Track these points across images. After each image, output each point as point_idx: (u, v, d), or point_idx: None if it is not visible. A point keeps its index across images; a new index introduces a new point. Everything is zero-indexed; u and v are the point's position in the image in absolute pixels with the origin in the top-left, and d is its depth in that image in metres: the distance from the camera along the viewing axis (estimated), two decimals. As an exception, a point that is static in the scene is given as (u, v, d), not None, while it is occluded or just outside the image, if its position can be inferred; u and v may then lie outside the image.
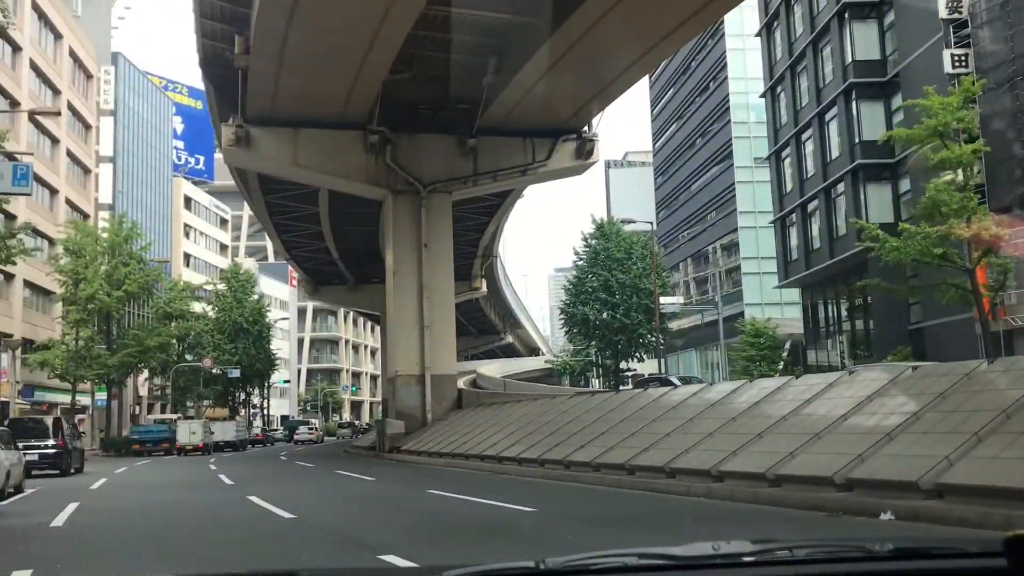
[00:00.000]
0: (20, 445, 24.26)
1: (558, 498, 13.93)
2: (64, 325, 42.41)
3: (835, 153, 40.99)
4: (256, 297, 72.15)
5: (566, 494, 14.54)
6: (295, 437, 67.04)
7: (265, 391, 77.16)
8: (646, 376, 43.77)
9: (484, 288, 67.35)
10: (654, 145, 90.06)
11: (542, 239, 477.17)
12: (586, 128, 35.27)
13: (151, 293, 47.03)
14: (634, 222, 49.15)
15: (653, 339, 51.25)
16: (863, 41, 38.82)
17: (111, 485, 20.67)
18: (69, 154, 53.23)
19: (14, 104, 45.32)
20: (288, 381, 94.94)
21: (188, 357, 60.01)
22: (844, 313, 44.66)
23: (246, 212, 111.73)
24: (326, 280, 64.78)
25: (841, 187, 40.33)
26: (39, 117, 47.67)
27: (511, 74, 30.21)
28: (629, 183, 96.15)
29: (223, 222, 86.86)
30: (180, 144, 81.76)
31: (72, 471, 26.07)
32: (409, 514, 12.41)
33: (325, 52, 27.72)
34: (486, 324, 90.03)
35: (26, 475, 24.91)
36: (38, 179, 47.71)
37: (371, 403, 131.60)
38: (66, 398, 52.47)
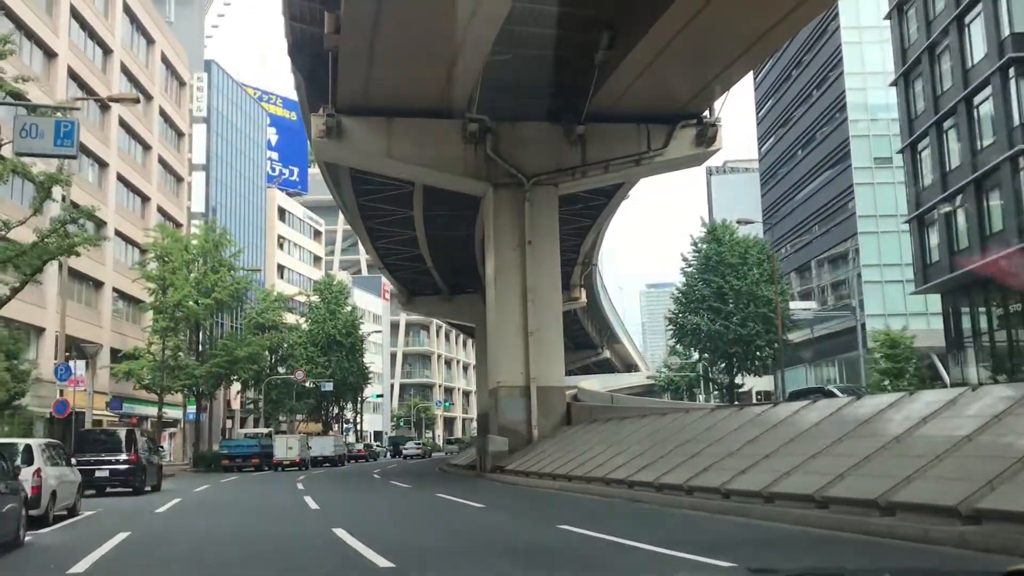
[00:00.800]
0: (90, 459, 21.94)
1: (746, 541, 10.33)
2: (150, 334, 40.59)
3: (987, 140, 36.28)
4: (349, 309, 70.21)
5: (746, 533, 10.96)
6: (403, 452, 67.65)
7: (358, 405, 75.08)
8: (803, 388, 39.16)
9: (584, 299, 63.94)
10: (759, 150, 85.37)
11: (634, 254, 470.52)
12: (707, 112, 31.59)
13: (241, 302, 44.97)
14: (751, 222, 45.00)
15: (771, 351, 46.96)
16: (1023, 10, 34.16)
17: (181, 509, 17.90)
18: (161, 161, 51.98)
19: (105, 108, 44.03)
20: (381, 396, 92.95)
21: (281, 370, 58.12)
22: (995, 322, 39.61)
23: (340, 226, 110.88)
24: (420, 291, 62.33)
25: (995, 178, 35.59)
26: (130, 123, 46.39)
27: (625, 51, 26.82)
28: (732, 189, 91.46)
29: (317, 234, 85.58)
30: (274, 155, 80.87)
31: (147, 489, 23.60)
32: (551, 566, 9.04)
33: (420, 29, 24.84)
34: (583, 338, 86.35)
35: (98, 492, 22.70)
36: (129, 185, 46.39)
37: (463, 419, 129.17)
38: (164, 411, 51.06)
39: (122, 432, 22.99)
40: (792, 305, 42.64)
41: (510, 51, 27.88)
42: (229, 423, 58.71)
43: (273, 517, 15.68)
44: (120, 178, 45.58)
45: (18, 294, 21.15)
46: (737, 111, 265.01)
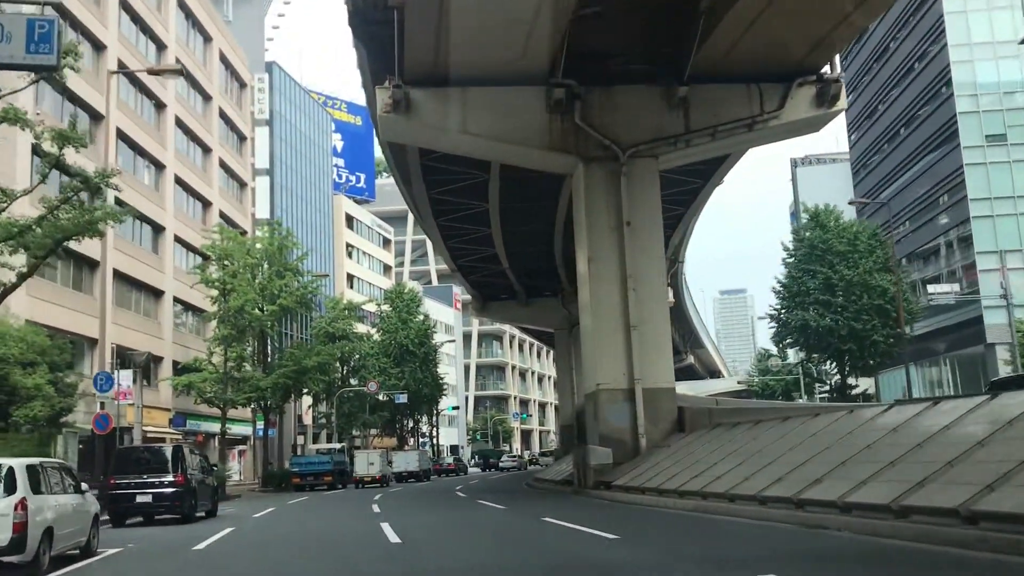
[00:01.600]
0: (130, 482, 18.64)
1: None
2: (211, 343, 37.60)
3: None
4: (421, 317, 66.94)
5: None
6: (500, 464, 67.88)
7: (434, 418, 71.70)
8: (1006, 376, 33.72)
9: (672, 298, 59.61)
10: (849, 137, 79.93)
11: (702, 262, 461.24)
12: (827, 68, 27.25)
13: (309, 308, 41.82)
14: (866, 203, 40.22)
15: (887, 345, 42.07)
16: None
17: (228, 543, 14.33)
18: (223, 166, 49.38)
19: (160, 106, 41.43)
20: (457, 408, 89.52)
21: (353, 382, 54.99)
22: None
23: (408, 236, 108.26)
24: (494, 295, 58.72)
25: None
26: (188, 124, 43.76)
27: (731, -1, 22.80)
28: (820, 182, 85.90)
29: (386, 242, 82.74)
30: (340, 162, 78.36)
31: (200, 514, 20.23)
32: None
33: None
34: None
35: (146, 520, 19.45)
36: (188, 189, 43.70)
37: (539, 431, 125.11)
38: (232, 427, 48.16)
39: (168, 450, 19.62)
40: (933, 288, 37.69)
41: (599, 3, 24.09)
42: (301, 439, 55.79)
43: (342, 551, 12.00)
44: (179, 181, 42.95)
45: (63, 302, 18.18)
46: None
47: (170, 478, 18.67)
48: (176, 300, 42.20)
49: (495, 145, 27.48)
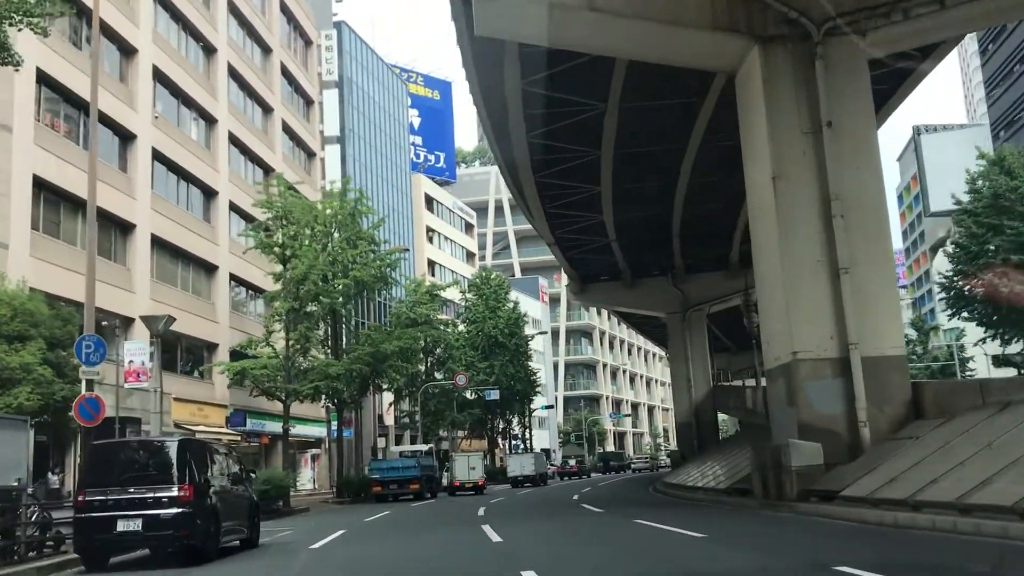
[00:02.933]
0: (109, 499, 11.69)
1: None
2: (268, 320, 30.90)
3: None
4: (511, 305, 59.79)
5: None
6: (632, 466, 69.53)
7: (526, 418, 64.41)
8: None
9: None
10: (987, 95, 70.14)
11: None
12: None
13: (387, 283, 34.78)
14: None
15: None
16: None
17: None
18: (287, 130, 43.01)
19: (209, 51, 35.07)
20: (551, 407, 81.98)
21: (438, 375, 48.05)
22: None
23: (490, 228, 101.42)
24: (594, 275, 51.08)
25: None
26: (245, 76, 37.35)
27: None
28: (947, 150, 76.13)
29: (468, 227, 75.85)
30: (417, 140, 71.87)
31: (232, 543, 13.29)
32: None
33: None
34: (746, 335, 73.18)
35: (153, 553, 12.64)
36: (246, 151, 37.34)
37: (633, 434, 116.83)
38: (304, 428, 41.62)
39: (172, 446, 12.48)
40: None
41: None
42: (382, 441, 49.07)
43: None
44: (234, 141, 36.60)
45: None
46: (940, 75, 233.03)
47: (172, 492, 11.61)
48: (234, 278, 35.81)
49: (632, 28, 19.83)
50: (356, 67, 54.96)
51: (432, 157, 74.66)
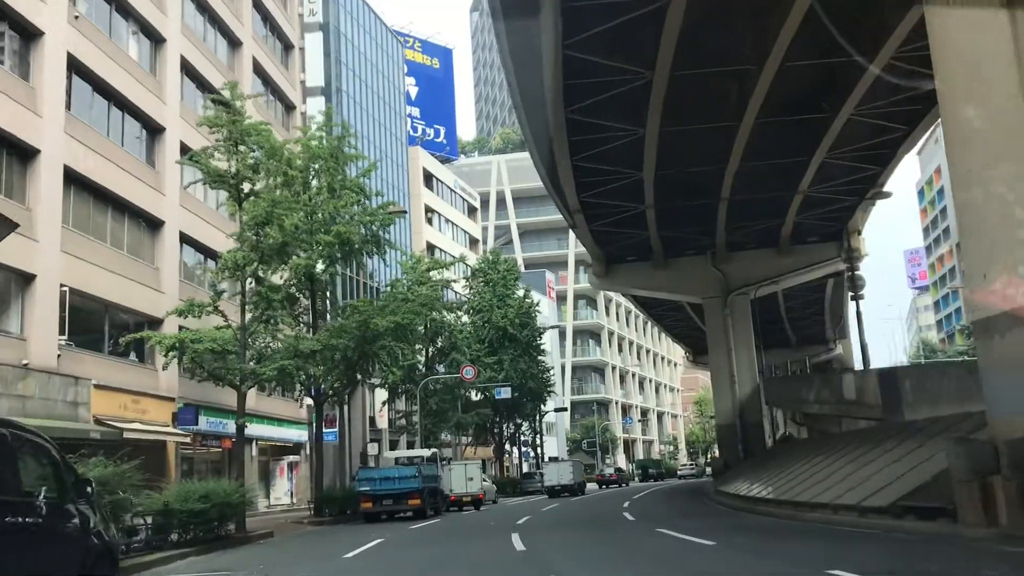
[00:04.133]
0: None
1: None
2: (215, 274, 23.29)
3: None
4: (521, 293, 52.43)
5: None
6: (679, 472, 70.93)
7: (537, 421, 56.91)
8: None
9: (865, 250, 44.21)
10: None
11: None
12: None
13: (379, 246, 27.12)
14: None
15: None
16: None
17: None
18: (259, 72, 35.61)
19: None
20: (564, 409, 74.38)
21: (440, 369, 40.55)
22: None
23: (492, 221, 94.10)
24: (620, 256, 43.77)
25: None
26: (212, 5, 29.89)
27: None
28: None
29: (472, 211, 68.40)
30: (415, 111, 64.55)
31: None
32: None
33: None
34: (814, 329, 65.77)
35: None
36: (205, 86, 29.84)
37: (643, 441, 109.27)
38: (280, 431, 34.17)
39: None
40: None
41: None
42: (374, 448, 41.54)
43: None
44: (188, 70, 29.17)
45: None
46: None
47: None
48: (187, 240, 28.30)
49: None
50: (344, 16, 47.50)
51: (431, 131, 67.25)
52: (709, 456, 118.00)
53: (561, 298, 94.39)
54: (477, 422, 42.12)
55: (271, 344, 21.23)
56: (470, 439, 52.16)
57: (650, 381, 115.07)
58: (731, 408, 41.91)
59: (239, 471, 20.29)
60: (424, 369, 39.00)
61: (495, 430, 51.99)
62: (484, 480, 36.91)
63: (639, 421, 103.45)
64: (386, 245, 27.72)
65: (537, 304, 53.21)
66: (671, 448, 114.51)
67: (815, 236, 42.18)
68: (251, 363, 20.55)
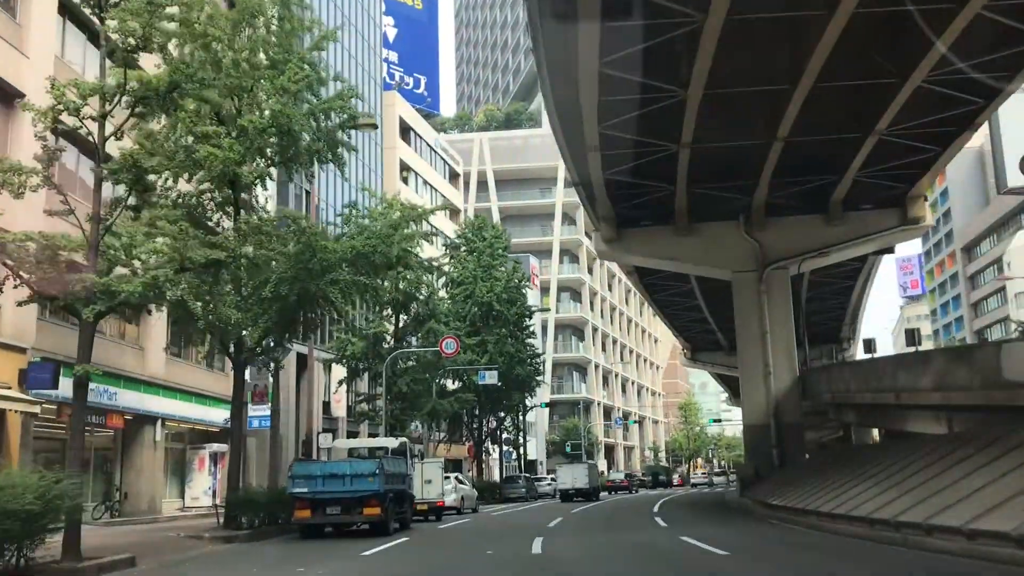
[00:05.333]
0: None
1: None
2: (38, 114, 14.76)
3: None
4: (511, 265, 44.44)
5: None
6: (692, 481, 70.56)
7: (520, 417, 48.79)
8: None
9: (929, 219, 36.65)
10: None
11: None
12: None
13: (334, 151, 18.62)
14: None
15: None
16: None
17: None
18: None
19: None
20: (550, 404, 66.15)
21: (412, 342, 32.34)
22: None
23: (472, 204, 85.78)
24: (634, 219, 35.94)
25: None
26: None
27: None
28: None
29: (453, 176, 59.97)
30: (392, 56, 56.11)
31: None
32: None
33: None
34: (831, 326, 58.29)
35: None
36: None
37: (624, 447, 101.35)
38: (202, 410, 25.87)
39: None
40: None
41: None
42: (328, 439, 33.04)
43: None
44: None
45: None
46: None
47: None
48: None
49: None
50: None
51: (411, 80, 58.77)
52: (691, 466, 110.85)
53: (544, 289, 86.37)
54: (456, 410, 33.70)
55: (145, 246, 12.82)
56: (443, 434, 43.94)
57: (632, 383, 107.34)
58: (764, 406, 34.17)
59: (74, 458, 11.95)
60: (393, 341, 30.72)
61: (473, 424, 43.80)
62: (453, 482, 28.88)
63: (622, 425, 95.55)
64: (345, 150, 19.44)
65: (527, 279, 45.12)
66: (653, 455, 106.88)
67: (870, 202, 34.74)
68: (109, 276, 12.15)
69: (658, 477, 70.42)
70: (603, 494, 47.51)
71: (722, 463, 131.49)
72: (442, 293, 40.63)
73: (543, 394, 63.69)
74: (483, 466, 49.51)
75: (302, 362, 33.38)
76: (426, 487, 24.45)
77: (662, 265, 39.16)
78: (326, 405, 36.30)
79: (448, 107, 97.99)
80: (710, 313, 52.90)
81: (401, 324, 31.55)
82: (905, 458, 19.54)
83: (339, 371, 32.70)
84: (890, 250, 38.75)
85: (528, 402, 48.25)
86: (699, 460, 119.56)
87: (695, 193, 32.29)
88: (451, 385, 39.89)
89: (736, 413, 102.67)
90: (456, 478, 30.27)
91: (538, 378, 45.23)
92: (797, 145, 28.09)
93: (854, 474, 21.15)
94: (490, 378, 36.01)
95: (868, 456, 25.29)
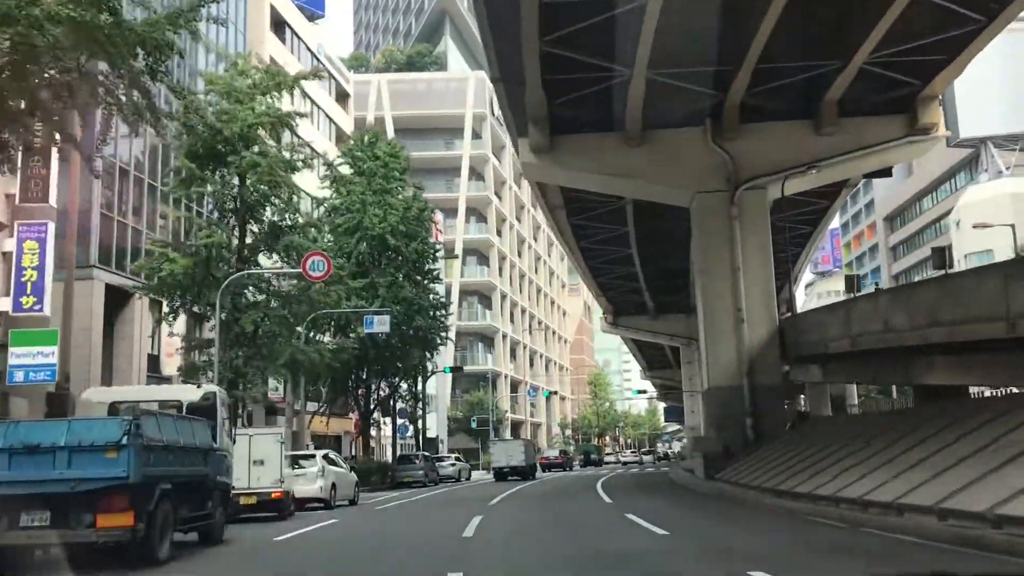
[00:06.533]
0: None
1: None
2: None
3: None
4: (411, 192, 35.19)
5: None
6: (622, 459, 70.29)
7: (420, 383, 39.55)
8: None
9: (942, 129, 29.05)
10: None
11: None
12: None
13: None
14: None
15: None
16: None
17: None
18: None
19: None
20: (458, 369, 56.70)
21: (264, 263, 22.81)
22: None
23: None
24: (574, 121, 27.25)
25: None
26: None
27: None
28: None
29: (342, 97, 49.62)
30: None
31: None
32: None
33: None
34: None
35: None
36: None
37: (531, 424, 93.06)
38: None
39: None
40: None
41: None
42: (97, 392, 23.29)
43: None
44: None
45: None
46: None
47: None
48: None
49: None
50: None
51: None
52: (600, 444, 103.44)
53: (448, 250, 77.08)
54: (329, 363, 23.95)
55: None
56: (322, 404, 34.47)
57: (541, 356, 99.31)
58: (735, 363, 26.27)
59: None
60: (234, 259, 21.12)
61: (360, 391, 34.36)
62: (320, 463, 19.75)
63: (535, 396, 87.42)
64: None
65: (433, 211, 35.81)
66: (563, 433, 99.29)
67: (870, 106, 27.30)
68: None
69: (590, 456, 69.55)
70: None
71: (628, 441, 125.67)
72: (321, 228, 30.94)
73: (446, 357, 54.63)
74: (371, 443, 40.19)
75: (118, 298, 23.52)
76: (256, 471, 15.27)
77: (604, 186, 30.31)
78: (154, 360, 26.34)
79: (344, 43, 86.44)
80: (642, 266, 44.81)
81: (249, 239, 21.88)
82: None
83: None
84: (887, 172, 30.99)
85: (430, 365, 39.05)
86: (607, 438, 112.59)
87: (655, 85, 23.94)
88: (327, 338, 30.43)
89: (649, 387, 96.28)
90: (326, 457, 21.00)
91: (443, 333, 36.06)
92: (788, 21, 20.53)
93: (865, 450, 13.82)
94: (380, 325, 26.68)
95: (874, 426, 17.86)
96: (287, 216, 21.94)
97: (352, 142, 35.45)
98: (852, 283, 38.86)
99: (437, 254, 35.09)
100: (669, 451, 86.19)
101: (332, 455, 22.42)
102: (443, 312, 35.76)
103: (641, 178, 28.10)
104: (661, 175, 27.71)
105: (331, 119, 44.83)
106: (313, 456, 20.44)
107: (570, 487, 27.83)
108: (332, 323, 30.14)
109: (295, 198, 21.78)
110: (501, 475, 37.57)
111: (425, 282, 34.53)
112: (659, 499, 20.71)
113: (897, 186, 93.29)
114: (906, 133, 26.97)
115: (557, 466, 53.05)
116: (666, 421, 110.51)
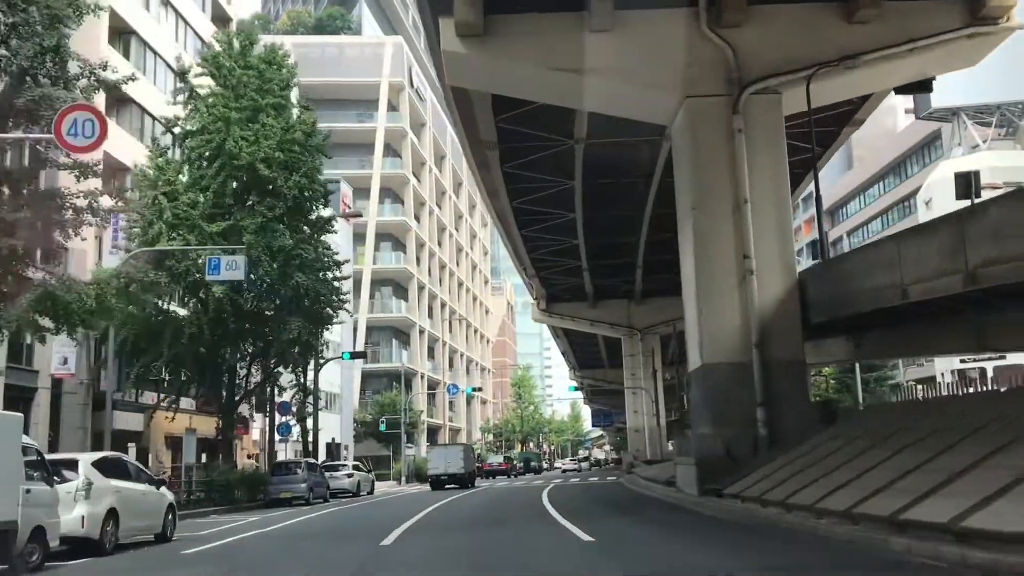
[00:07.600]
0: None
1: None
2: None
3: None
4: (296, 112, 26.39)
5: None
6: (562, 467, 72.26)
7: (306, 370, 30.39)
8: None
9: (1014, 18, 21.39)
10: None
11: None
12: None
13: None
14: None
15: None
16: None
17: None
18: None
19: None
20: (363, 355, 47.47)
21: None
22: None
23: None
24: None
25: None
26: None
27: None
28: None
29: (223, 21, 39.58)
30: None
31: None
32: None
33: None
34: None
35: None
36: None
37: (450, 429, 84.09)
38: None
39: None
40: None
41: None
42: None
43: None
44: None
45: None
46: None
47: None
48: None
49: None
50: None
51: None
52: (523, 450, 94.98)
53: (359, 235, 67.99)
54: (137, 312, 14.74)
55: None
56: (167, 395, 25.27)
57: (461, 356, 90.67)
58: (740, 330, 18.23)
59: None
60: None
61: (222, 376, 25.21)
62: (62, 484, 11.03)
63: (457, 394, 78.72)
64: None
65: (326, 138, 26.86)
66: (488, 438, 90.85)
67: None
68: None
69: (530, 463, 69.21)
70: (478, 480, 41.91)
71: (552, 447, 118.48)
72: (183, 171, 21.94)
73: (346, 338, 45.47)
74: (248, 447, 30.97)
75: None
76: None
77: (555, 91, 21.77)
78: None
79: (246, 5, 76.77)
80: (585, 238, 36.95)
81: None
82: None
83: None
84: (927, 86, 23.19)
85: (324, 349, 30.03)
86: (530, 444, 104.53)
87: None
88: (169, 306, 21.34)
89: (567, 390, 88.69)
90: (100, 465, 12.18)
91: (340, 297, 27.10)
92: None
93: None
94: (228, 272, 17.85)
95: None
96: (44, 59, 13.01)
97: (217, 47, 26.31)
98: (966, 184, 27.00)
99: (329, 196, 26.18)
100: (600, 458, 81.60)
101: (126, 462, 13.55)
102: (339, 273, 26.91)
103: (606, 76, 19.71)
104: (638, 72, 19.42)
105: (200, 37, 35.19)
106: (74, 463, 11.58)
107: (513, 503, 19.44)
108: (179, 277, 21.17)
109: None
110: (438, 483, 35.28)
111: (312, 232, 25.65)
112: (627, 519, 12.39)
113: (838, 180, 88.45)
114: (967, 22, 19.42)
115: (500, 473, 51.74)
116: (593, 426, 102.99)
